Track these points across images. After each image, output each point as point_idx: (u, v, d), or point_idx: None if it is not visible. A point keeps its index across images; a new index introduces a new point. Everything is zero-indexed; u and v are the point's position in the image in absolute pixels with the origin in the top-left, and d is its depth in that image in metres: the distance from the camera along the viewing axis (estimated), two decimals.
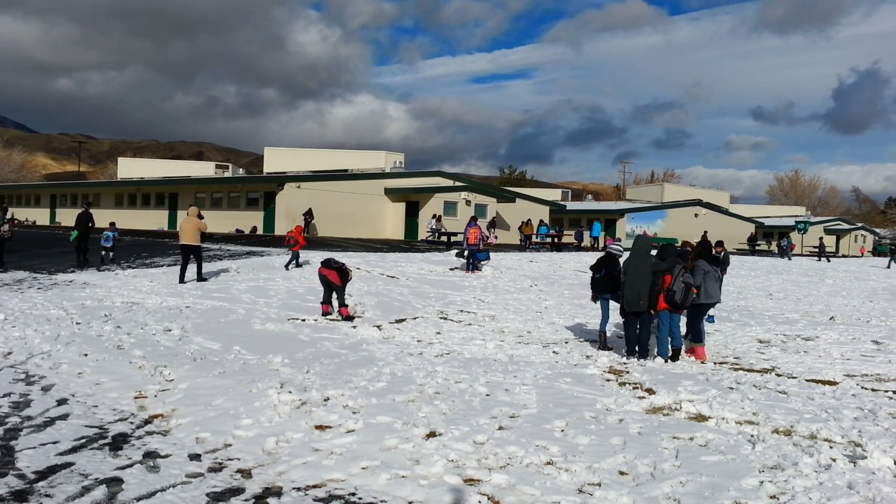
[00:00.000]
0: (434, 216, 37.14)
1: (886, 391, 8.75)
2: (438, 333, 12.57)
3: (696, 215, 56.87)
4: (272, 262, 20.68)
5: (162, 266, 20.12)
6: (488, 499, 4.86)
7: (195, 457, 5.67)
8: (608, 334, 11.69)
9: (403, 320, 13.91)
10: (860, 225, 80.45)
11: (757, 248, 52.90)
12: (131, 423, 6.62)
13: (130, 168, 61.42)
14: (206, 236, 18.95)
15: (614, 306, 11.47)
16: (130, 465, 5.44)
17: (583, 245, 42.20)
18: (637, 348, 10.69)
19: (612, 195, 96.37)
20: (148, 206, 46.63)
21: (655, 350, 10.68)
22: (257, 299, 14.79)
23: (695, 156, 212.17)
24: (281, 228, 36.84)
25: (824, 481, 5.26)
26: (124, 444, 5.98)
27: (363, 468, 5.38)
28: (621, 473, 5.40)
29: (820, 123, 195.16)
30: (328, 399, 7.35)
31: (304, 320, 13.18)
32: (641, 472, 5.41)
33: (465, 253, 23.00)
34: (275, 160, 50.82)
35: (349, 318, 13.49)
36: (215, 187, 43.13)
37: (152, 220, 44.80)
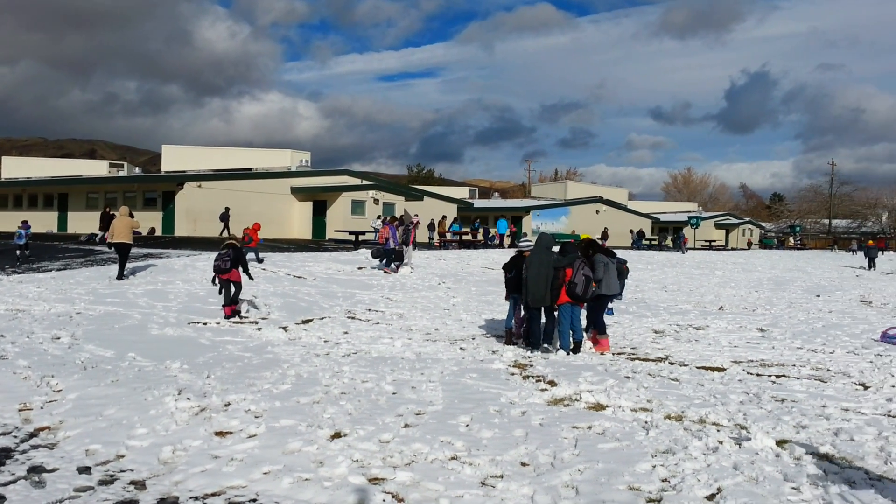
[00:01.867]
0: (379, 217, 36.93)
1: (770, 376, 9.28)
2: (346, 333, 12.51)
3: (597, 212, 58.57)
4: (171, 265, 20.03)
5: (51, 271, 19.16)
6: (392, 497, 4.89)
7: (84, 470, 5.45)
8: (512, 329, 11.89)
9: (310, 321, 13.77)
10: (748, 219, 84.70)
11: (648, 243, 54.78)
12: (15, 437, 6.29)
13: (16, 167, 58.13)
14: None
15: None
16: (14, 482, 5.18)
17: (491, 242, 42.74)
18: (541, 340, 10.97)
19: (518, 193, 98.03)
20: (35, 207, 44.25)
21: (558, 343, 10.96)
22: (155, 303, 14.31)
23: (598, 154, 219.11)
24: (181, 229, 35.73)
25: (712, 463, 5.54)
26: (7, 459, 5.68)
27: (265, 473, 5.30)
28: (523, 464, 5.52)
29: (714, 123, 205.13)
30: (229, 404, 7.20)
31: (205, 324, 12.84)
32: (542, 463, 5.55)
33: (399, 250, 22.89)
34: (174, 158, 49.18)
35: (232, 315, 13.53)
36: (109, 187, 41.40)
37: (41, 222, 42.52)
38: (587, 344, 11.03)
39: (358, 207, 40.42)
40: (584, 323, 11.18)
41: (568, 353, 10.60)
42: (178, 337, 11.50)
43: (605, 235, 48.76)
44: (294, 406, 7.17)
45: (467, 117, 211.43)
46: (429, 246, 36.88)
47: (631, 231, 54.07)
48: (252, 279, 14.55)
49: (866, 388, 8.64)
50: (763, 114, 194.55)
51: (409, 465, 5.48)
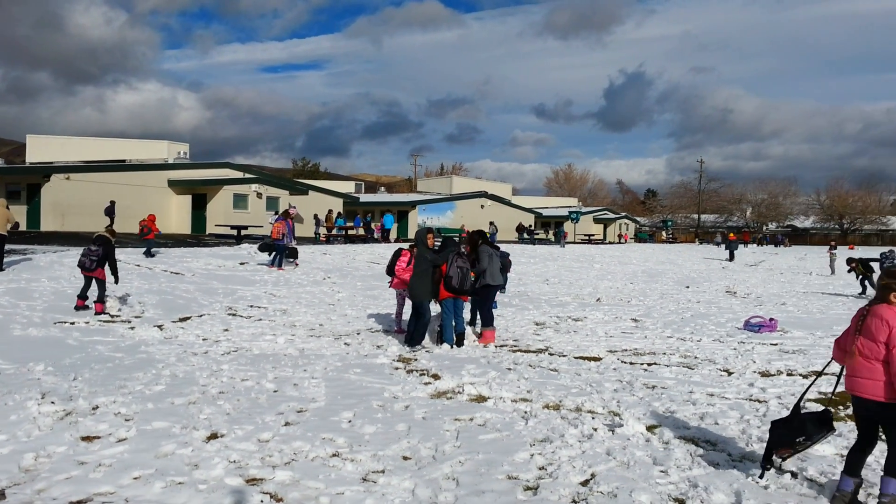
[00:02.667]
0: (276, 212, 35.97)
1: (642, 364, 9.70)
2: (226, 331, 12.15)
3: (482, 206, 59.49)
4: (37, 262, 18.83)
5: None
6: (271, 497, 4.78)
7: None
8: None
9: (188, 319, 13.27)
10: (624, 214, 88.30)
11: (532, 237, 56.19)
12: None
13: None
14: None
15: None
16: None
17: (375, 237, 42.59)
18: (415, 337, 10.99)
19: (404, 187, 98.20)
20: None
21: (443, 336, 11.04)
22: (18, 302, 13.40)
23: (484, 150, 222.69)
24: (48, 224, 33.64)
25: (586, 450, 5.74)
26: None
27: (135, 478, 5.06)
28: (405, 458, 5.53)
29: (594, 121, 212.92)
30: (97, 407, 6.84)
31: (73, 323, 12.15)
32: (424, 456, 5.58)
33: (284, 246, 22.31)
34: (40, 149, 46.19)
35: (102, 313, 13.03)
36: None
37: None
38: (471, 336, 11.18)
39: (240, 201, 39.33)
40: (467, 316, 11.33)
41: (452, 347, 10.70)
42: (42, 338, 10.83)
43: (522, 229, 49.91)
44: (168, 407, 6.90)
45: (354, 111, 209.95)
46: (314, 241, 36.35)
47: (522, 225, 55.30)
48: (117, 282, 13.85)
49: (730, 373, 9.17)
50: (639, 113, 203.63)
51: (288, 463, 5.37)
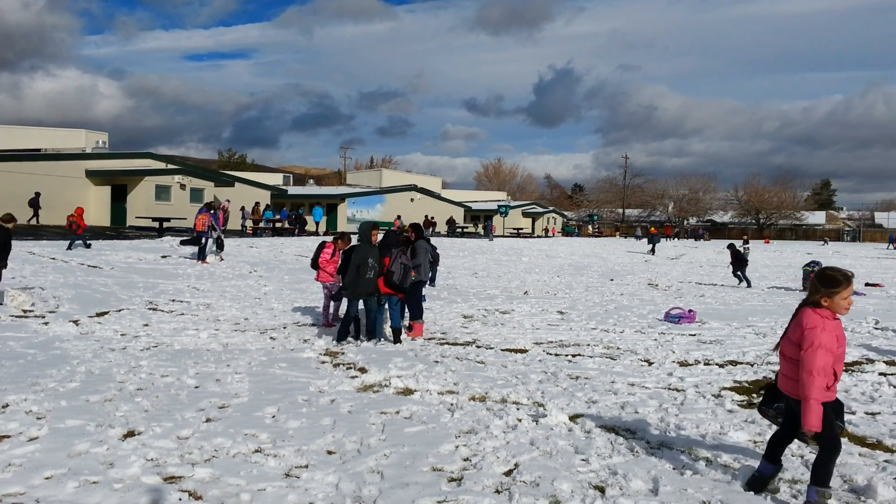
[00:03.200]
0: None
1: (567, 355, 9.87)
2: (146, 325, 11.80)
3: (412, 200, 59.44)
4: None
5: None
6: (190, 495, 4.67)
7: None
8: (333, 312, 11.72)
9: (106, 313, 12.84)
10: (552, 208, 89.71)
11: (454, 229, 56.51)
12: None
13: None
14: None
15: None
16: None
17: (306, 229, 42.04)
18: (355, 330, 10.93)
19: (334, 180, 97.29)
20: None
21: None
22: None
23: (415, 143, 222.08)
24: None
25: (511, 440, 5.81)
26: None
27: (47, 478, 4.87)
28: (329, 453, 5.49)
29: (524, 116, 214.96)
30: (7, 406, 6.55)
31: None
32: (349, 450, 5.54)
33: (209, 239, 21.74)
34: None
35: None
36: None
37: None
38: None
39: (163, 193, 38.26)
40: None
41: (380, 341, 10.65)
42: None
43: (429, 223, 49.76)
44: (83, 405, 6.66)
45: (284, 102, 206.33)
46: (240, 233, 35.66)
47: (475, 222, 55.55)
48: (5, 266, 13.12)
49: (650, 363, 9.42)
50: (568, 109, 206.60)
51: (209, 461, 5.26)
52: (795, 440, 4.95)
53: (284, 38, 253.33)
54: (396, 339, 10.66)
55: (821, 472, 4.48)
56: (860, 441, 5.98)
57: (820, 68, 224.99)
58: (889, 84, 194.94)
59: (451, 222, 54.87)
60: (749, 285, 22.35)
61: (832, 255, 44.82)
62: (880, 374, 8.60)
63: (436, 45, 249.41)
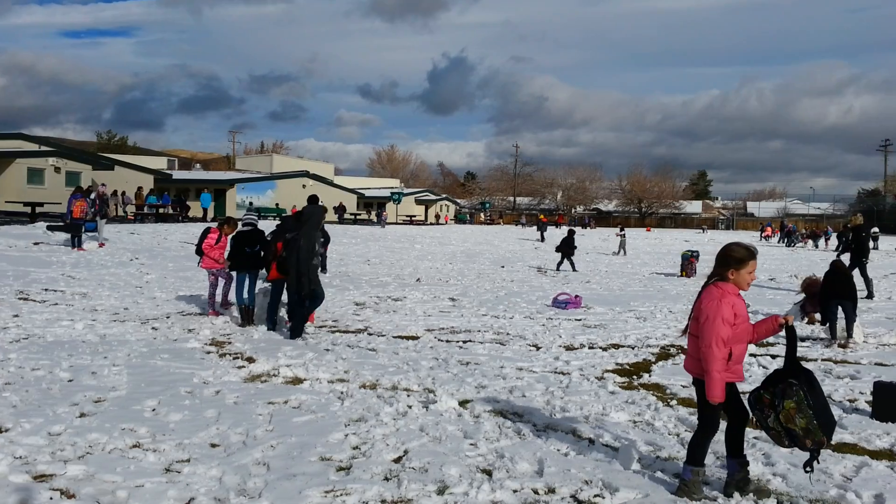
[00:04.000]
0: (122, 192, 32.88)
1: (458, 341, 9.98)
2: (16, 316, 11.07)
3: (304, 186, 58.41)
4: None
5: None
6: (62, 493, 4.41)
7: None
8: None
9: None
10: (444, 196, 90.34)
11: (353, 217, 56.12)
12: None
13: None
14: None
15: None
16: None
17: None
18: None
19: (222, 165, 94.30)
20: None
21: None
22: None
23: (308, 129, 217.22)
24: None
25: (401, 427, 5.81)
26: None
27: None
28: (213, 446, 5.32)
29: (418, 103, 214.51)
30: None
31: None
32: (234, 442, 5.39)
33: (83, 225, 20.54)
34: None
35: None
36: None
37: None
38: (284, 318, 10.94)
39: (35, 176, 35.97)
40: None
41: (272, 329, 10.41)
42: None
43: (342, 209, 49.32)
44: None
45: (170, 83, 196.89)
46: (121, 219, 34.06)
47: (368, 209, 54.89)
48: None
49: (538, 348, 9.65)
50: (461, 97, 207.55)
51: (82, 457, 4.99)
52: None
53: (170, 16, 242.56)
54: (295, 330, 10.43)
55: (696, 451, 4.58)
56: None
57: (699, 63, 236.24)
58: (762, 80, 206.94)
59: (340, 209, 54.11)
60: (574, 269, 23.13)
61: (708, 241, 47.26)
62: (750, 354, 9.11)
63: (330, 30, 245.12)
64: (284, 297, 10.58)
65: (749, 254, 4.52)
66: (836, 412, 6.61)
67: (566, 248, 23.75)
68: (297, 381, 7.41)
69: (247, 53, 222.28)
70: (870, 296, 15.93)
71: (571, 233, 25.07)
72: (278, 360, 8.23)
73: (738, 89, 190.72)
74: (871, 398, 6.70)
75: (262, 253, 10.96)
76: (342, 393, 6.89)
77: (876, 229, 48.24)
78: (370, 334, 10.43)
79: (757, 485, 4.72)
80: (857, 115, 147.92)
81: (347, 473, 4.80)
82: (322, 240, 17.63)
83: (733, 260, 4.48)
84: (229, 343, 9.44)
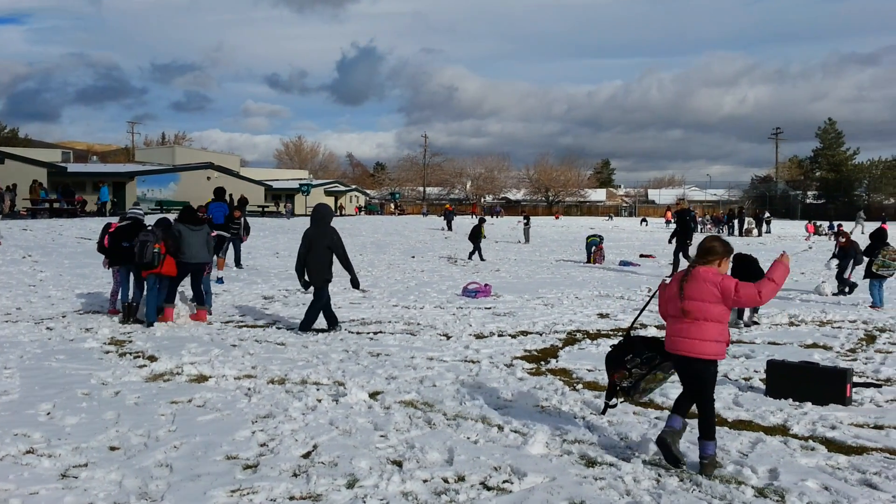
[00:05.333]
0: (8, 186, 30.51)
1: (368, 333, 9.93)
2: None
3: (208, 178, 56.74)
4: None
5: None
6: None
7: None
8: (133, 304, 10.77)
9: None
10: (354, 187, 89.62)
11: (261, 210, 54.95)
12: None
13: None
14: None
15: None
16: None
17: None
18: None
19: (122, 157, 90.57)
20: None
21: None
22: None
23: (214, 119, 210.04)
24: None
25: (310, 422, 5.74)
26: None
27: None
28: (112, 449, 5.11)
29: (327, 94, 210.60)
30: None
31: None
32: (134, 444, 5.20)
33: None
34: None
35: None
36: None
37: None
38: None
39: None
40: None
41: (152, 325, 10.04)
42: None
43: (243, 202, 47.67)
44: None
45: (66, 73, 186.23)
46: (10, 215, 32.26)
47: (276, 201, 53.55)
48: None
49: (448, 337, 9.71)
50: (371, 87, 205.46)
51: None
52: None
53: (64, 2, 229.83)
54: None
55: (713, 426, 4.89)
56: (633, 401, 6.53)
57: (603, 55, 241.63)
58: (662, 71, 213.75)
59: (241, 202, 52.17)
60: (482, 259, 23.55)
61: (612, 229, 48.67)
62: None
63: (237, 18, 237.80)
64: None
65: (728, 247, 5.03)
66: (732, 391, 6.96)
67: (475, 238, 24.01)
68: (201, 378, 7.21)
69: (149, 42, 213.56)
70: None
71: (482, 221, 25.36)
72: (182, 357, 7.99)
73: (639, 80, 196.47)
74: (764, 376, 7.05)
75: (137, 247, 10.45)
76: (249, 389, 6.74)
77: (768, 214, 50.82)
78: (279, 328, 10.26)
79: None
80: (751, 105, 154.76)
81: (254, 471, 4.70)
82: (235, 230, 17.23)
83: (725, 252, 4.96)
84: (130, 342, 9.09)
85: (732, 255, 5.15)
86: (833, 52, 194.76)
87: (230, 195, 28.27)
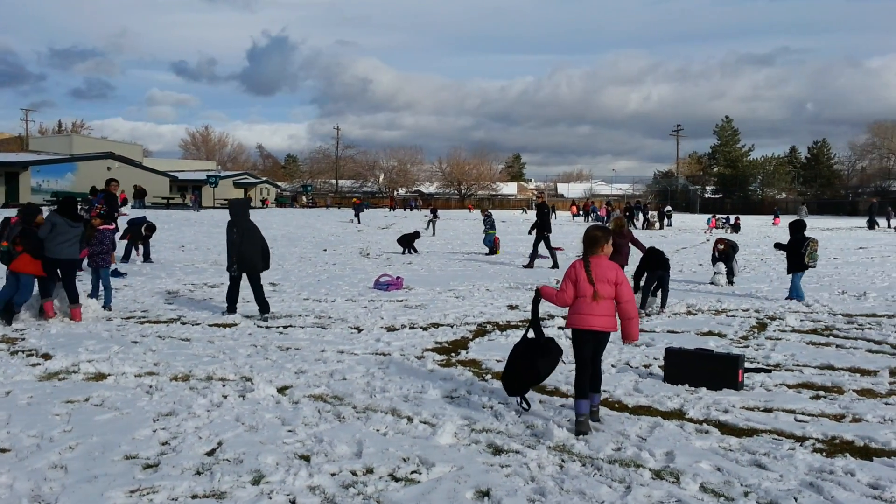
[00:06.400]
0: None
1: (278, 327, 9.78)
2: None
3: (108, 168, 54.49)
4: None
5: None
6: None
7: None
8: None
9: None
10: (265, 179, 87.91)
11: (165, 202, 53.25)
12: None
13: None
14: None
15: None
16: None
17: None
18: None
19: (14, 146, 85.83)
20: None
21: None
22: None
23: (117, 108, 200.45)
24: None
25: (214, 419, 5.61)
26: None
27: None
28: (2, 451, 4.86)
29: (237, 83, 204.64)
30: None
31: None
32: (27, 445, 4.96)
33: None
34: None
35: None
36: None
37: None
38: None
39: None
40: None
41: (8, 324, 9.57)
42: None
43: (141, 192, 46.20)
44: None
45: None
46: None
47: (182, 192, 51.70)
48: None
49: (360, 330, 9.67)
50: (283, 77, 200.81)
51: None
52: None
53: None
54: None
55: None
56: (541, 389, 6.68)
57: (515, 50, 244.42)
58: (571, 68, 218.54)
59: (139, 192, 49.78)
60: (415, 251, 23.72)
61: (522, 222, 49.48)
62: (559, 328, 9.65)
63: (143, 3, 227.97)
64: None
65: (608, 233, 5.86)
66: (633, 377, 7.21)
67: (410, 237, 23.87)
68: (100, 376, 6.94)
69: (47, 25, 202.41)
70: (529, 265, 18.43)
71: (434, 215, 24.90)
72: (79, 355, 7.67)
73: (550, 76, 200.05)
74: (663, 363, 7.33)
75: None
76: (151, 387, 6.54)
77: (669, 207, 52.75)
78: (184, 324, 9.97)
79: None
80: (655, 103, 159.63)
81: (155, 470, 4.57)
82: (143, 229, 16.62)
83: (605, 238, 5.73)
84: (22, 339, 8.66)
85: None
86: (731, 53, 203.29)
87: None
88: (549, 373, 5.84)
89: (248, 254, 10.60)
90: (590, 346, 5.58)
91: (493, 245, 23.79)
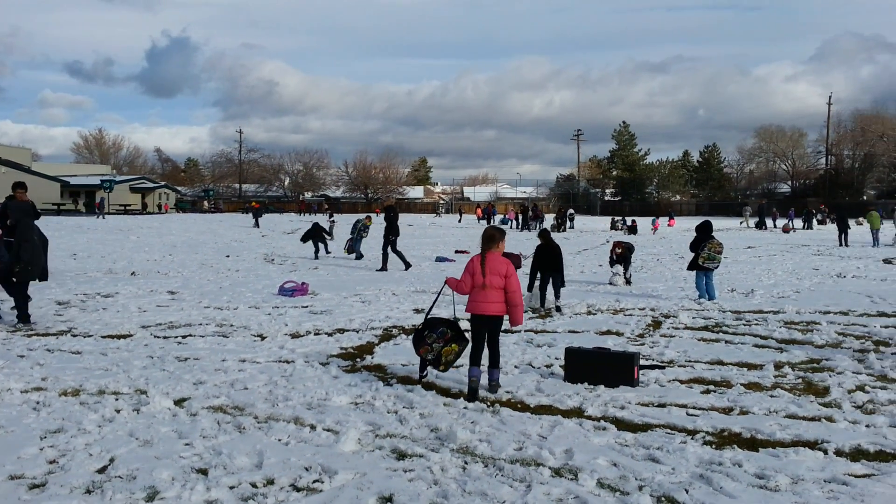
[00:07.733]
0: None
1: (176, 337, 9.48)
2: None
3: None
4: None
5: None
6: None
7: None
8: None
9: None
10: (164, 183, 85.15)
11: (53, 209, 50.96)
12: None
13: None
14: None
15: None
16: None
17: None
18: None
19: None
20: None
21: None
22: None
23: (6, 110, 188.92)
24: None
25: (106, 434, 5.39)
26: None
27: None
28: None
29: (135, 84, 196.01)
30: None
31: None
32: None
33: None
34: None
35: None
36: None
37: None
38: None
39: None
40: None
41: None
42: None
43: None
44: None
45: None
46: None
47: (75, 198, 49.15)
48: None
49: (263, 338, 9.48)
50: (184, 79, 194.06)
51: None
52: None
53: None
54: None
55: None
56: (445, 392, 6.74)
57: (423, 55, 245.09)
58: (476, 73, 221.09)
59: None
60: (327, 252, 23.62)
61: (429, 225, 49.74)
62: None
63: (34, 1, 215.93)
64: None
65: (503, 233, 6.96)
66: (535, 378, 7.36)
67: (321, 236, 23.62)
68: None
69: None
70: (383, 269, 18.68)
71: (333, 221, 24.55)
72: None
73: (456, 81, 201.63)
74: (563, 363, 7.52)
75: None
76: (38, 403, 6.22)
77: (571, 210, 54.14)
78: (74, 336, 9.53)
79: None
80: (557, 108, 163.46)
81: (42, 490, 4.35)
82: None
83: (501, 237, 6.80)
84: None
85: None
86: (628, 60, 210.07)
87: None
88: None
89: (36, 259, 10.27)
90: (484, 327, 6.64)
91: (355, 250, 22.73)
